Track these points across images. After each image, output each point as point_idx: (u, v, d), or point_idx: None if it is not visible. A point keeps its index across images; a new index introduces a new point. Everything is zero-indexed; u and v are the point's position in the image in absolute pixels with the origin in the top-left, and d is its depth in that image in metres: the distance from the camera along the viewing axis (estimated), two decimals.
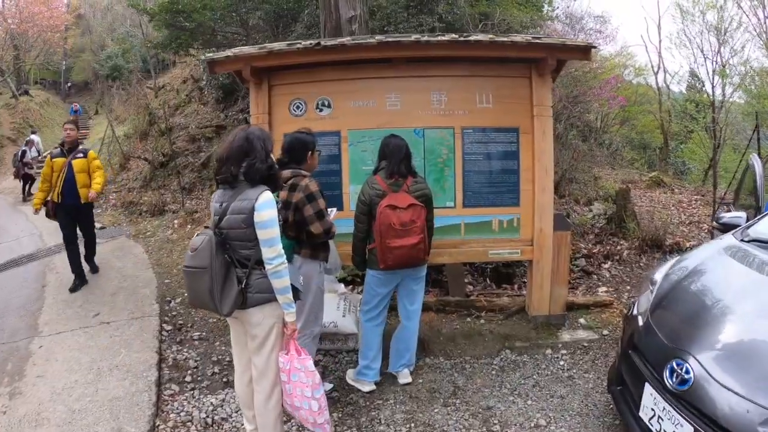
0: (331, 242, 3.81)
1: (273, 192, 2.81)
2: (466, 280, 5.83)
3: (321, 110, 4.59)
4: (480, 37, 4.17)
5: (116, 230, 10.06)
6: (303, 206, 3.39)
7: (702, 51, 17.76)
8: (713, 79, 17.05)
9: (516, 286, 5.95)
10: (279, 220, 2.80)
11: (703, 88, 19.88)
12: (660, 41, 23.68)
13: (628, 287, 6.05)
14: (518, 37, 4.27)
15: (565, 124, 9.64)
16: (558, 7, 14.33)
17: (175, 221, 9.82)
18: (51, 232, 9.30)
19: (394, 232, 3.52)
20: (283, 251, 2.72)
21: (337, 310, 4.55)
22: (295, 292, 2.90)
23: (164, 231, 9.54)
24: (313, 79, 4.60)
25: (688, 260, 3.32)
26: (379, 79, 4.53)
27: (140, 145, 14.16)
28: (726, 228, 3.91)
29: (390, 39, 4.17)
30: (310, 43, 4.17)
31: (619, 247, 7.22)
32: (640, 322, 2.99)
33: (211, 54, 4.56)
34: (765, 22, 15.52)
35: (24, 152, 14.79)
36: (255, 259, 2.75)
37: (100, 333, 4.98)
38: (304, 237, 3.49)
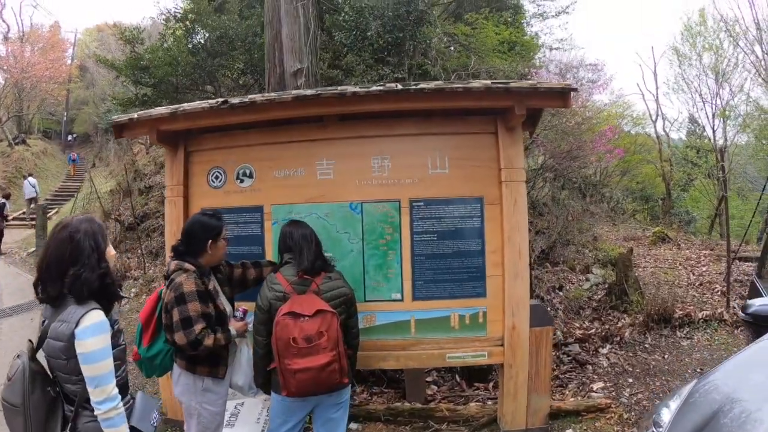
0: (245, 350, 3.10)
1: (109, 308, 2.21)
2: (429, 379, 4.90)
3: (242, 181, 3.84)
4: (423, 85, 3.37)
5: None
6: (171, 309, 2.77)
7: (701, 95, 17.18)
8: (714, 122, 16.40)
9: (491, 385, 4.96)
10: (122, 342, 2.29)
11: (704, 133, 19.31)
12: (657, 88, 22.98)
13: (630, 379, 5.08)
14: (475, 83, 3.45)
15: (555, 182, 8.86)
16: (546, 54, 13.75)
17: (133, 290, 9.06)
18: (13, 291, 9.04)
19: (296, 349, 2.65)
20: (115, 393, 2.12)
21: (257, 422, 3.70)
22: None
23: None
24: (233, 143, 3.88)
25: (706, 392, 2.36)
26: (307, 142, 3.76)
27: (121, 203, 13.48)
28: (756, 320, 3.01)
29: (308, 93, 3.40)
30: (216, 102, 3.44)
31: (620, 324, 6.27)
32: None
33: (115, 117, 3.85)
34: (765, 58, 14.92)
35: (3, 205, 14.49)
36: (84, 396, 2.12)
37: None
38: None
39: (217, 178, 3.88)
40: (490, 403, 4.40)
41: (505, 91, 3.41)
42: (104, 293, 2.17)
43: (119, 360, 2.22)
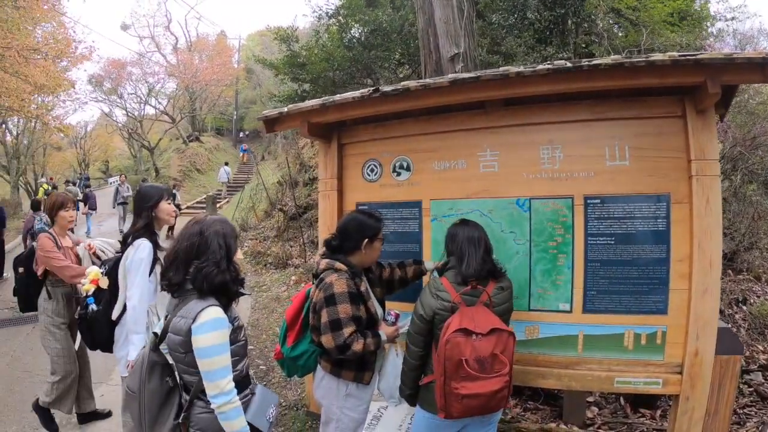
0: (394, 356, 2.92)
1: (227, 306, 2.25)
2: (590, 399, 4.38)
3: (399, 174, 3.67)
4: (598, 60, 2.87)
5: None
6: (320, 310, 2.67)
7: None
8: None
9: (659, 413, 4.30)
10: (242, 337, 2.33)
11: None
12: None
13: None
14: (658, 56, 2.83)
15: (742, 174, 7.62)
16: (721, 25, 11.97)
17: (293, 277, 9.47)
18: None
19: (466, 372, 2.35)
20: (230, 387, 2.15)
21: (398, 430, 3.54)
22: None
23: (279, 287, 9.24)
24: (388, 134, 3.71)
25: None
26: (468, 131, 3.44)
27: (288, 193, 14.27)
28: None
29: (466, 76, 3.05)
30: (368, 91, 3.27)
31: None
32: None
33: (266, 111, 3.89)
34: None
35: (174, 195, 16.15)
36: (199, 388, 2.19)
37: None
38: None
39: (372, 171, 3.75)
40: None
41: (694, 64, 2.77)
42: (225, 291, 2.22)
43: (238, 356, 2.26)
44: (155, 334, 2.28)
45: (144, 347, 2.35)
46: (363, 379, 2.82)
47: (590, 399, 4.47)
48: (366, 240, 2.80)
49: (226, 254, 2.24)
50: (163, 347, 2.27)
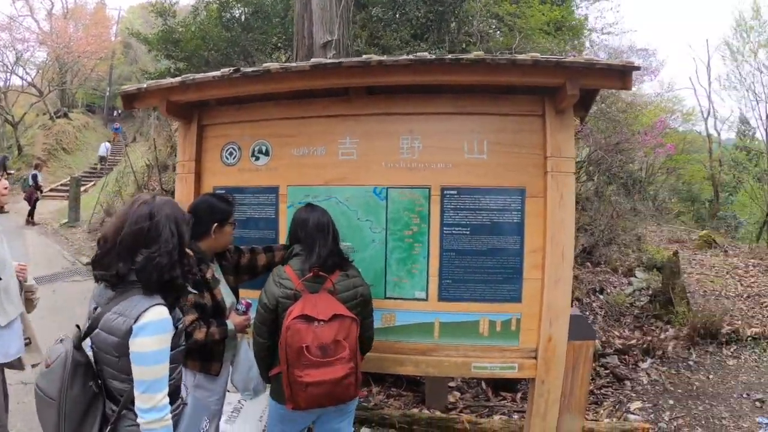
0: (245, 349, 2.80)
1: (173, 306, 1.93)
2: (452, 384, 4.51)
3: (257, 158, 3.50)
4: (462, 55, 2.92)
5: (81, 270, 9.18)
6: None
7: (755, 93, 16.16)
8: (767, 123, 15.41)
9: (519, 396, 4.56)
10: (182, 342, 2.00)
11: (755, 135, 18.26)
12: (710, 83, 21.36)
13: (671, 401, 4.60)
14: (521, 56, 2.94)
15: (602, 176, 8.30)
16: (596, 38, 12.99)
17: None
18: (39, 262, 9.07)
19: (308, 360, 2.29)
20: (165, 403, 1.83)
21: (260, 421, 3.46)
22: None
23: None
24: (250, 117, 3.53)
25: None
26: (330, 118, 3.36)
27: (156, 177, 13.32)
28: None
29: (328, 62, 2.99)
30: (228, 71, 3.10)
31: (663, 336, 5.77)
32: None
33: (125, 87, 3.60)
34: None
35: (35, 176, 14.75)
36: (130, 397, 1.85)
37: None
38: None
39: (231, 154, 3.55)
40: (516, 417, 4.04)
41: (556, 65, 2.90)
42: (175, 287, 1.92)
43: (176, 362, 1.96)
44: (78, 327, 1.93)
45: (60, 341, 1.93)
46: (210, 370, 2.69)
47: (452, 384, 4.61)
48: (215, 224, 2.68)
49: (178, 243, 1.92)
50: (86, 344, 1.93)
